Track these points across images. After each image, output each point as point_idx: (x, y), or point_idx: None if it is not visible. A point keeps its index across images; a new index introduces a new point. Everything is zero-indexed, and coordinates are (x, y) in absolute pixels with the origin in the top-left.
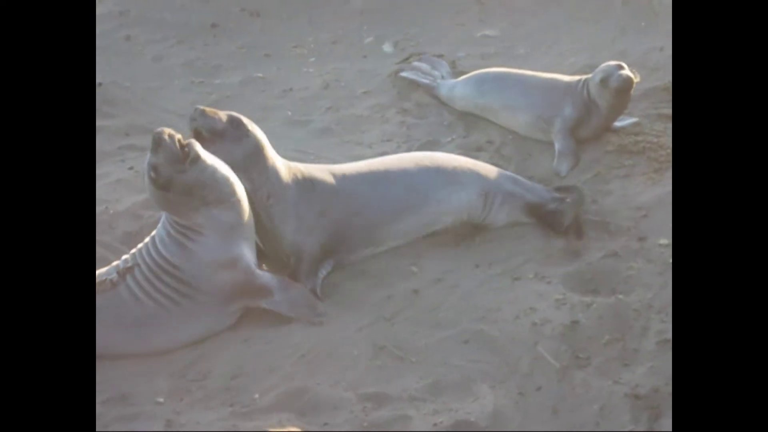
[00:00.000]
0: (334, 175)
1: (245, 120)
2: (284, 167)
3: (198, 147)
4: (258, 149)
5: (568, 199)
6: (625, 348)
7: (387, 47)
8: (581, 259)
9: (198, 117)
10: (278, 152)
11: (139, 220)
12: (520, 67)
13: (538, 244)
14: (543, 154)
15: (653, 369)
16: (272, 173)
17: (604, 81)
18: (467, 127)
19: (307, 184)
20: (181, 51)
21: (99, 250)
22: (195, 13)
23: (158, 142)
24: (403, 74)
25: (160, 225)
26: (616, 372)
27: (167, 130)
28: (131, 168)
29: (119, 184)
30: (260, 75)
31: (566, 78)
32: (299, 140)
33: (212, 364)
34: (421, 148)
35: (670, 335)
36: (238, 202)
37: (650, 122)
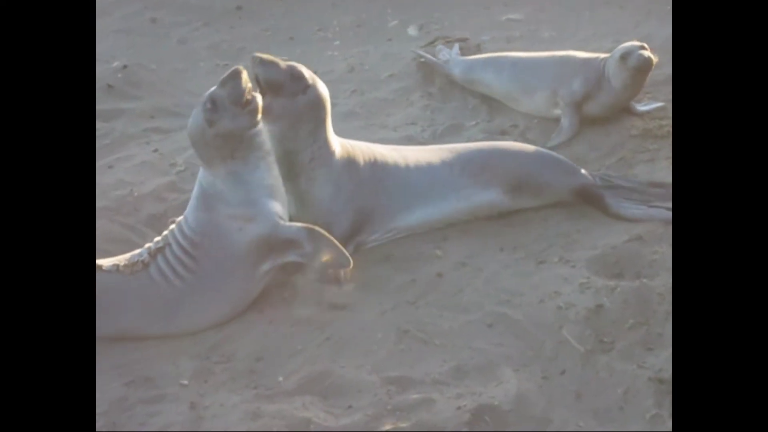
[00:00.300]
0: (373, 155)
1: (307, 73)
2: (332, 135)
3: (260, 102)
4: (314, 107)
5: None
6: (649, 332)
7: (412, 30)
8: (605, 242)
9: (257, 66)
10: None
11: (164, 203)
12: (546, 50)
13: (562, 228)
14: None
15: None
16: (321, 136)
17: (624, 58)
18: (491, 110)
19: (351, 157)
20: (206, 33)
21: (123, 232)
22: None
23: (234, 76)
24: (419, 52)
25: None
26: (640, 356)
27: (246, 72)
28: (156, 150)
29: (144, 167)
30: (284, 58)
31: (583, 54)
32: None
33: (236, 346)
34: (445, 131)
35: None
36: (263, 163)
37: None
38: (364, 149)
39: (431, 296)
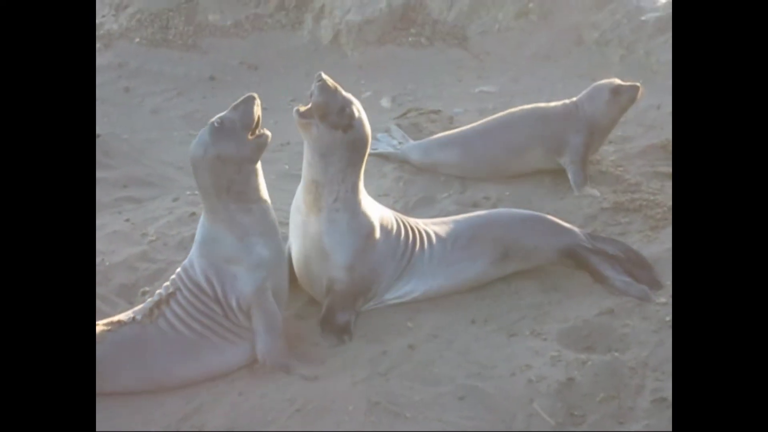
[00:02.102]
0: (390, 220)
1: (356, 113)
2: (362, 185)
3: (268, 137)
4: (350, 147)
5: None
6: (620, 406)
7: (385, 102)
8: (577, 315)
9: (316, 85)
10: (274, 205)
11: (135, 273)
12: None
13: (533, 300)
14: (543, 201)
15: (648, 427)
16: (350, 179)
17: (616, 93)
18: (463, 183)
19: (375, 215)
20: (179, 103)
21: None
22: (194, 66)
23: (247, 102)
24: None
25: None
26: (611, 430)
27: (258, 101)
28: (128, 220)
29: (116, 236)
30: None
31: (549, 105)
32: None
33: (207, 417)
34: (417, 203)
35: (665, 393)
36: (257, 207)
37: (647, 180)
38: (384, 212)
39: (403, 368)
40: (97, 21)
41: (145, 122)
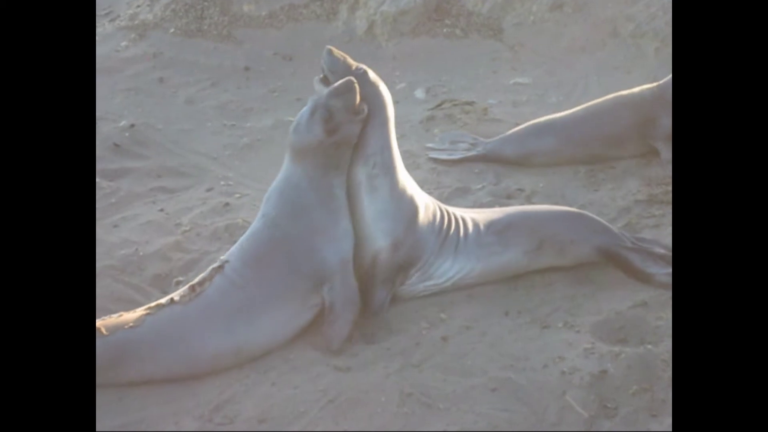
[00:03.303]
0: (424, 199)
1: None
2: (397, 154)
3: (367, 110)
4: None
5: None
6: (653, 398)
7: (419, 93)
8: (610, 308)
9: (325, 56)
10: None
11: (169, 263)
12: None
13: (567, 293)
14: (577, 193)
15: None
16: (381, 141)
17: None
18: (497, 174)
19: (413, 184)
20: (213, 94)
21: (127, 292)
22: (228, 56)
23: (349, 87)
24: (433, 155)
25: (256, 220)
26: (643, 422)
27: (356, 83)
28: (162, 210)
29: (149, 226)
30: (291, 119)
31: (633, 92)
32: None
33: (239, 407)
34: (451, 194)
35: None
36: (345, 183)
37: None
38: (420, 191)
39: (435, 360)
40: (132, 11)
41: (180, 112)
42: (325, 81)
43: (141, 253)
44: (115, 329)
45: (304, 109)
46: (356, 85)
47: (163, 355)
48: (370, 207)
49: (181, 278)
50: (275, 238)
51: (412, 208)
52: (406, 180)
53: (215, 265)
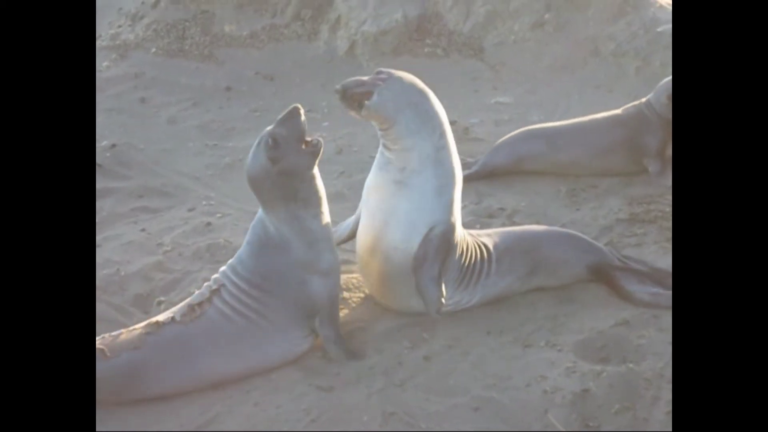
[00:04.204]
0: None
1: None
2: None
3: (321, 144)
4: (403, 97)
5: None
6: (635, 417)
7: None
8: (592, 326)
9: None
10: None
11: (151, 282)
12: None
13: (549, 312)
14: (559, 212)
15: None
16: (446, 117)
17: None
18: (479, 193)
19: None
20: (195, 113)
21: (109, 312)
22: (209, 76)
23: (293, 114)
24: None
25: (244, 243)
26: None
27: (302, 109)
28: (143, 230)
29: (131, 246)
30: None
31: (620, 111)
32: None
33: (222, 427)
34: None
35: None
36: (322, 211)
37: (662, 192)
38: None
39: (418, 379)
40: (113, 31)
41: (161, 132)
42: (359, 98)
43: (123, 273)
44: (118, 351)
45: (256, 150)
46: (301, 114)
47: (170, 375)
48: (435, 180)
49: (162, 298)
50: (265, 266)
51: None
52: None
53: (213, 286)
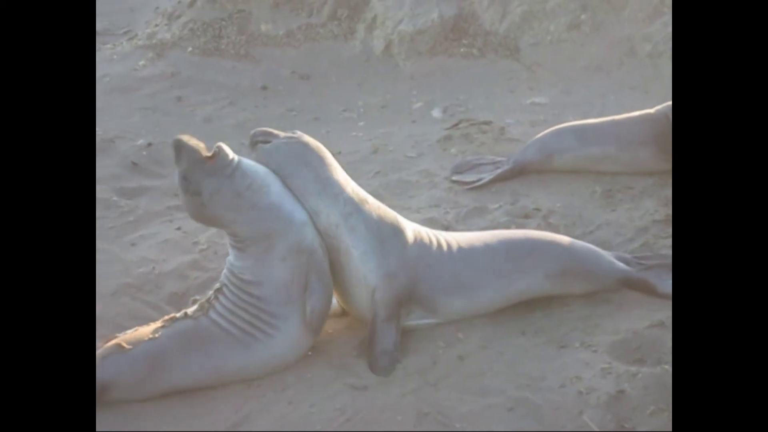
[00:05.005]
0: (420, 233)
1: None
2: (361, 193)
3: (226, 148)
4: (302, 153)
5: (652, 263)
6: (670, 418)
7: (436, 112)
8: (627, 327)
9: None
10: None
11: (186, 281)
12: None
13: (584, 313)
14: (594, 213)
15: None
16: (333, 185)
17: None
18: (514, 193)
19: (390, 213)
20: (231, 112)
21: (145, 310)
22: (246, 75)
23: (179, 146)
24: (456, 178)
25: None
26: None
27: (185, 136)
28: (179, 228)
29: (167, 245)
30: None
31: (652, 111)
32: None
33: (256, 426)
34: (468, 214)
35: None
36: (257, 186)
37: None
38: (411, 223)
39: (452, 379)
40: (150, 30)
41: (197, 131)
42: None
43: (158, 272)
44: (135, 343)
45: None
46: (185, 139)
47: (189, 365)
48: (355, 250)
49: (197, 297)
50: (246, 259)
51: (396, 239)
52: (382, 211)
53: (217, 285)
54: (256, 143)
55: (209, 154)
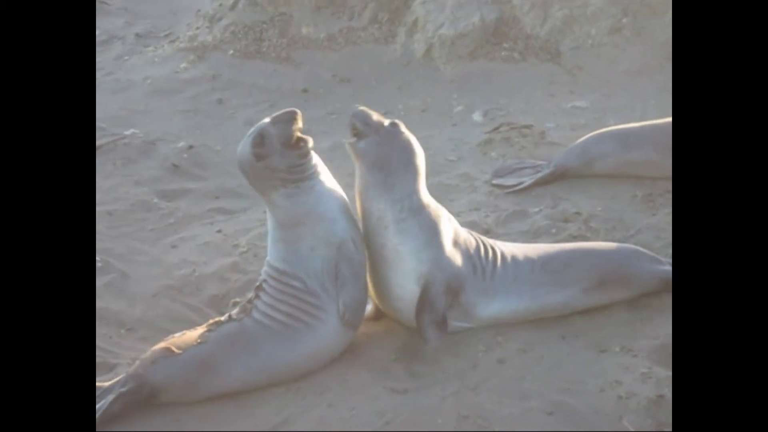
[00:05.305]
0: (465, 236)
1: (388, 121)
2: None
3: (310, 145)
4: (400, 149)
5: None
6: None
7: (477, 116)
8: (667, 332)
9: (357, 112)
10: None
11: (226, 284)
12: None
13: (624, 317)
14: (635, 217)
15: None
16: (410, 185)
17: None
18: (554, 197)
19: (445, 215)
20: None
21: (185, 312)
22: (286, 78)
23: (287, 117)
24: (497, 182)
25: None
26: None
27: (300, 115)
28: (219, 231)
29: (207, 247)
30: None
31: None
32: None
33: (296, 429)
34: (509, 217)
35: None
36: (319, 185)
37: None
38: (457, 225)
39: (492, 382)
40: (191, 33)
41: (238, 134)
42: (358, 133)
43: (198, 274)
44: (184, 347)
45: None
46: (297, 117)
47: (237, 366)
48: (403, 246)
49: (238, 299)
50: (281, 250)
51: (448, 237)
52: (438, 217)
53: (257, 284)
54: (355, 130)
55: (296, 140)
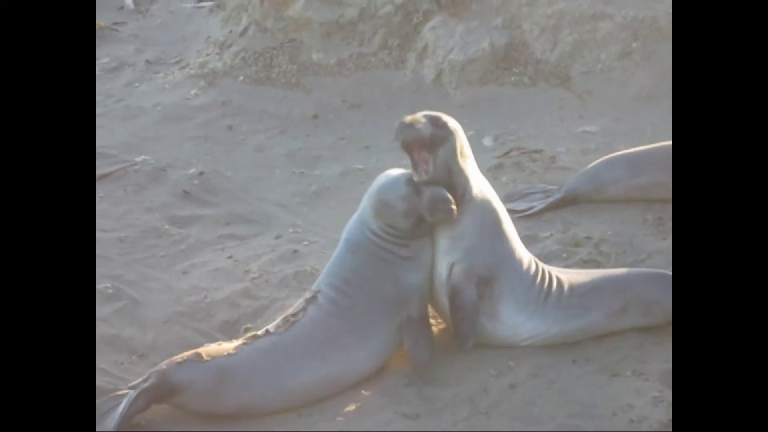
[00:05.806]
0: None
1: (443, 120)
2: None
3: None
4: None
5: None
6: None
7: (487, 141)
8: None
9: (402, 130)
10: None
11: (237, 309)
12: None
13: (635, 340)
14: (645, 241)
15: None
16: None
17: None
18: (565, 222)
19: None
20: (282, 141)
21: (196, 338)
22: (297, 104)
23: (447, 209)
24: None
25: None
26: None
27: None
28: (230, 257)
29: (218, 273)
30: (360, 167)
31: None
32: None
33: None
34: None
35: None
36: None
37: None
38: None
39: (503, 407)
40: (202, 59)
41: (249, 160)
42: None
43: (209, 300)
44: (214, 356)
45: (400, 186)
46: (454, 207)
47: (258, 383)
48: (461, 229)
49: (249, 325)
50: (358, 263)
51: (496, 225)
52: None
53: (308, 295)
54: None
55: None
